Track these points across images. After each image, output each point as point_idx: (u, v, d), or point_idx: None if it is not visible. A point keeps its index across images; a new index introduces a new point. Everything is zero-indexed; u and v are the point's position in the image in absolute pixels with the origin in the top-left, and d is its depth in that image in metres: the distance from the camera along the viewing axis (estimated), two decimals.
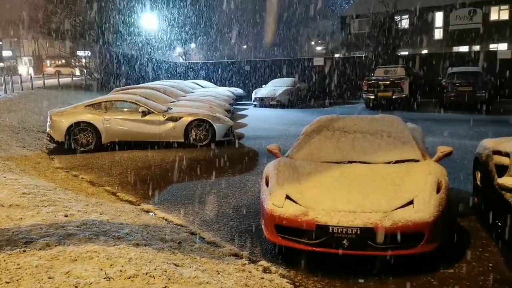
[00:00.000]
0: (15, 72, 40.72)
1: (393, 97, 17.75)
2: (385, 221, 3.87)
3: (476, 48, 30.17)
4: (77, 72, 33.71)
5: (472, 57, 21.10)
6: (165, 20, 30.38)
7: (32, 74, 26.40)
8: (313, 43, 58.91)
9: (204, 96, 16.17)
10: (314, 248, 4.01)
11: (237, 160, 9.13)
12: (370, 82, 18.33)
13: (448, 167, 5.74)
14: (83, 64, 29.65)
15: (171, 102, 13.15)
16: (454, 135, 11.30)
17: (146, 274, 3.25)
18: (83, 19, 26.49)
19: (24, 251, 3.53)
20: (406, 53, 28.05)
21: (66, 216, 4.76)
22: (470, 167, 6.34)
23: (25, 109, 15.06)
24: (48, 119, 10.52)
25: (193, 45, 44.50)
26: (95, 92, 22.50)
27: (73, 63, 32.52)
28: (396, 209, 3.99)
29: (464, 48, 30.60)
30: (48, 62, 54.01)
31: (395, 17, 27.63)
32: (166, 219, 5.58)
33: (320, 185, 4.44)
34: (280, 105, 20.10)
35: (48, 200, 5.41)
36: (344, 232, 3.89)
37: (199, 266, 3.76)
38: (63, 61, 41.39)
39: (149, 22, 29.55)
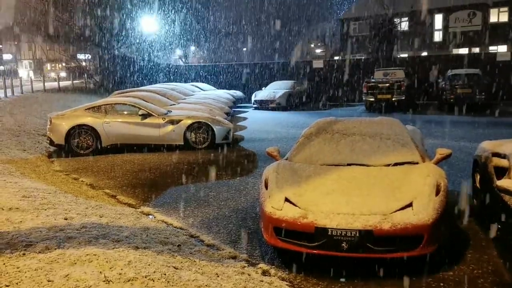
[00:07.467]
0: (16, 75, 40.76)
1: (393, 99, 17.77)
2: (384, 224, 3.87)
3: (476, 50, 30.20)
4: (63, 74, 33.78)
5: (471, 59, 21.11)
6: (165, 23, 30.42)
7: (33, 77, 26.44)
8: (312, 45, 59.01)
9: (203, 99, 16.19)
10: (313, 251, 4.01)
11: (237, 162, 9.14)
12: (370, 84, 18.35)
13: (447, 169, 5.75)
14: (83, 67, 29.71)
15: (170, 105, 13.17)
16: (453, 137, 11.30)
17: (146, 277, 3.25)
18: (83, 22, 26.54)
19: (24, 254, 3.53)
20: (406, 55, 28.10)
21: (65, 219, 4.76)
22: (469, 169, 6.35)
23: (26, 112, 15.08)
24: (48, 122, 10.54)
25: (193, 48, 44.57)
26: (95, 95, 22.52)
27: (73, 67, 32.60)
28: (395, 211, 3.99)
29: (463, 50, 30.63)
30: (48, 65, 54.06)
31: (395, 20, 27.70)
32: (165, 222, 5.59)
33: (319, 188, 4.44)
34: (279, 107, 20.13)
35: (48, 203, 5.41)
36: (343, 234, 3.89)
37: (199, 269, 3.76)
38: (63, 64, 41.53)
39: (149, 25, 29.59)
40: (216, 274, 3.74)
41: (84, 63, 30.43)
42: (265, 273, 4.07)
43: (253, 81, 25.78)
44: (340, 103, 22.78)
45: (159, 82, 25.20)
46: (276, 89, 21.15)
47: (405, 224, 3.87)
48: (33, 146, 10.85)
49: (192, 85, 21.26)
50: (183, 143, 10.53)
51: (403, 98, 17.75)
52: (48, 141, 10.65)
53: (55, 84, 25.76)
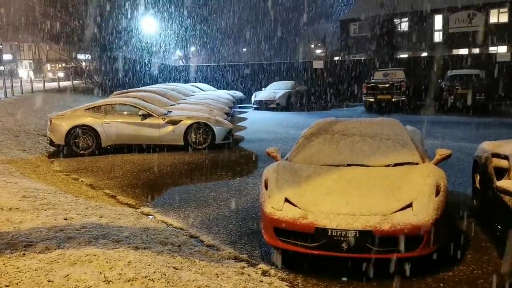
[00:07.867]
0: (16, 75, 40.76)
1: (393, 99, 17.77)
2: (384, 224, 3.87)
3: (476, 50, 30.19)
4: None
5: (471, 59, 21.11)
6: (165, 24, 30.42)
7: (33, 78, 26.43)
8: (312, 46, 59.01)
9: (203, 99, 16.17)
10: (313, 251, 4.01)
11: (237, 163, 9.14)
12: (370, 85, 18.35)
13: (447, 170, 5.75)
14: (83, 67, 29.72)
15: (171, 105, 13.16)
16: (453, 137, 11.30)
17: (145, 277, 3.26)
18: (83, 22, 26.54)
19: (24, 254, 3.53)
20: (406, 55, 28.10)
21: (65, 219, 4.76)
22: (469, 170, 6.35)
23: (26, 112, 15.07)
24: (48, 122, 10.54)
25: (193, 48, 44.57)
26: (95, 95, 22.52)
27: (72, 67, 32.62)
28: (395, 212, 3.99)
29: (463, 51, 30.62)
30: (48, 65, 54.09)
31: (395, 20, 27.70)
32: (165, 222, 5.59)
33: (319, 188, 4.44)
34: (279, 108, 20.12)
35: (48, 204, 5.42)
36: (343, 235, 3.89)
37: (198, 269, 3.76)
38: (63, 64, 41.54)
39: (149, 26, 29.58)
40: (216, 274, 3.74)
41: (84, 63, 30.42)
42: (265, 273, 4.07)
43: (254, 81, 25.77)
44: (340, 103, 22.76)
45: (159, 83, 25.19)
46: (276, 90, 21.15)
47: (405, 225, 3.87)
48: (33, 146, 10.85)
49: (192, 85, 21.24)
50: (183, 144, 10.53)
51: (403, 98, 17.75)
52: (48, 141, 10.66)
53: (55, 84, 25.76)
